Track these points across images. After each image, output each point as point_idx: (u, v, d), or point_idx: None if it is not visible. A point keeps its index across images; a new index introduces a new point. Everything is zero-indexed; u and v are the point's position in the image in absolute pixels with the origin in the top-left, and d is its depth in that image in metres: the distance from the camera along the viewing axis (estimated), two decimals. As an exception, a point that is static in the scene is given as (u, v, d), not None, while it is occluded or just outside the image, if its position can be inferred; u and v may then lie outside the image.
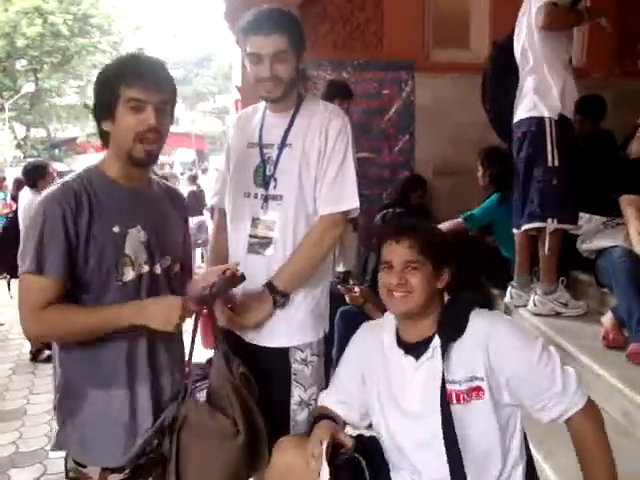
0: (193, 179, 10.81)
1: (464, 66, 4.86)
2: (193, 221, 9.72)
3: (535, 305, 3.15)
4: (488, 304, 1.85)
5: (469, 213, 3.95)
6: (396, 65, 4.98)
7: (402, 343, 1.70)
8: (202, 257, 10.27)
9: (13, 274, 5.42)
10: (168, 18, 51.38)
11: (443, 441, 1.54)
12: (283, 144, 1.92)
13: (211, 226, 8.88)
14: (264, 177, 1.93)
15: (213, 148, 30.04)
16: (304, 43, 1.91)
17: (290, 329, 1.92)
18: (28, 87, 23.42)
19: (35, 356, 5.48)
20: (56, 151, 25.56)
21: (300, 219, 1.90)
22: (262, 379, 1.85)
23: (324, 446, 1.56)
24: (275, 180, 1.92)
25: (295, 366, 1.93)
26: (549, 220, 3.05)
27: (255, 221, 1.92)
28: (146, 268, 1.57)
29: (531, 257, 3.35)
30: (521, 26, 3.23)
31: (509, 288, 3.43)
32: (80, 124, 25.99)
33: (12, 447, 3.88)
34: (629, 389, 2.23)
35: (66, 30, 23.61)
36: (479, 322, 1.59)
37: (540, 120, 3.07)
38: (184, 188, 10.54)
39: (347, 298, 3.09)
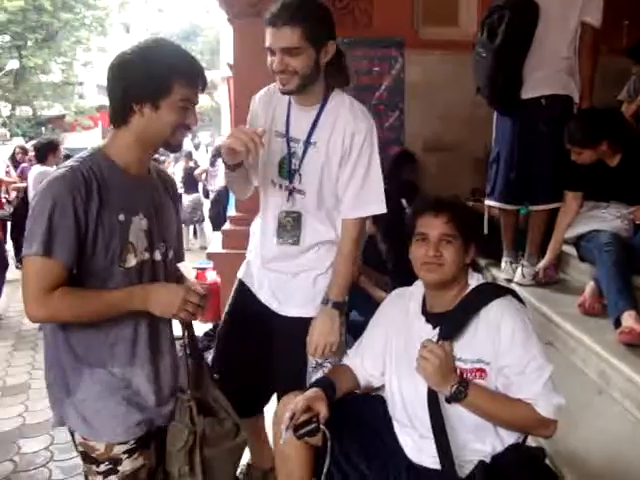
0: (190, 156, 10.85)
1: (453, 43, 4.89)
2: (189, 198, 9.84)
3: (524, 277, 3.29)
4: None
5: None
6: (386, 42, 5.02)
7: (425, 311, 1.83)
8: (194, 233, 10.37)
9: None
10: (153, -9, 50.28)
11: (428, 411, 1.68)
12: (308, 142, 1.98)
13: (207, 204, 8.95)
14: (289, 170, 2.00)
15: (202, 124, 29.85)
16: (327, 35, 1.87)
17: (312, 301, 2.06)
18: (12, 64, 23.02)
19: None
20: (42, 129, 25.27)
21: (321, 212, 2.02)
22: (283, 344, 2.08)
23: (287, 415, 1.70)
24: (300, 175, 2.00)
25: None
26: (559, 203, 3.18)
27: (282, 213, 2.04)
28: (146, 255, 1.61)
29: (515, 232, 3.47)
30: (575, 4, 3.14)
31: (504, 264, 3.52)
32: (65, 102, 25.68)
33: (19, 419, 4.02)
34: (605, 351, 2.38)
35: (49, 5, 23.18)
36: (498, 312, 1.69)
37: (569, 98, 3.15)
38: (179, 165, 10.64)
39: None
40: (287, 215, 2.02)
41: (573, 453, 2.00)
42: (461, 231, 1.74)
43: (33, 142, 9.23)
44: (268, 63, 1.89)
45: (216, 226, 8.18)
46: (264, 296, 2.14)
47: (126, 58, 1.52)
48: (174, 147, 1.65)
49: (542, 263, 3.24)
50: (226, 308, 2.29)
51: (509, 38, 3.17)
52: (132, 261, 1.56)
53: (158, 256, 1.66)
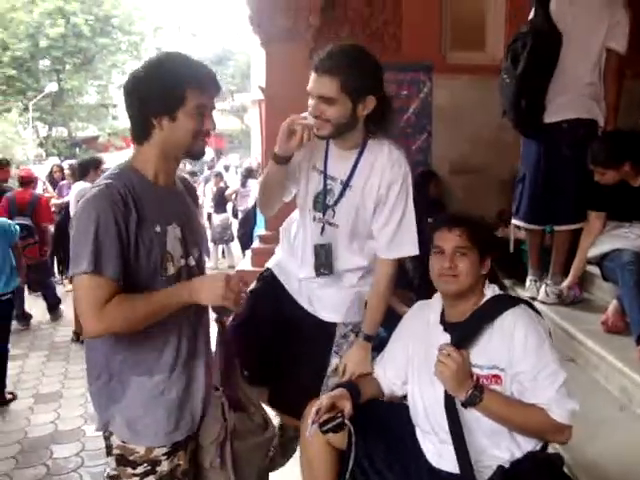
0: (221, 176, 11.09)
1: (480, 68, 4.99)
2: (219, 218, 10.04)
3: (547, 296, 3.32)
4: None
5: None
6: (414, 67, 5.13)
7: (444, 321, 1.91)
8: (223, 254, 10.52)
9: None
10: (187, 18, 51.66)
11: (445, 415, 1.75)
12: (347, 184, 2.04)
13: (235, 224, 9.09)
14: (324, 205, 2.08)
15: (232, 146, 30.31)
16: (368, 89, 1.88)
17: (346, 308, 2.18)
18: (51, 87, 23.84)
19: (78, 336, 5.76)
20: (77, 149, 25.93)
21: (352, 244, 2.12)
22: (304, 343, 2.19)
23: (314, 409, 1.81)
24: (334, 211, 2.07)
25: (338, 339, 2.19)
26: (582, 223, 3.23)
27: (316, 246, 2.12)
28: (182, 262, 1.65)
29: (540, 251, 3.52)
30: (597, 30, 3.22)
31: (529, 282, 3.56)
32: (100, 123, 26.35)
33: (52, 426, 4.16)
34: (628, 368, 2.41)
35: (88, 31, 23.97)
36: (512, 321, 1.77)
37: (594, 122, 3.23)
38: (209, 185, 10.89)
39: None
40: (321, 248, 2.11)
41: (592, 464, 2.03)
42: (475, 243, 1.82)
43: (69, 162, 9.54)
44: (308, 105, 1.93)
45: (244, 246, 8.31)
46: (299, 298, 2.23)
47: (138, 76, 1.56)
48: (196, 155, 1.68)
49: (566, 282, 3.28)
50: (253, 285, 2.33)
51: (531, 65, 3.26)
52: (171, 269, 1.61)
53: (192, 262, 1.70)
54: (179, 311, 1.59)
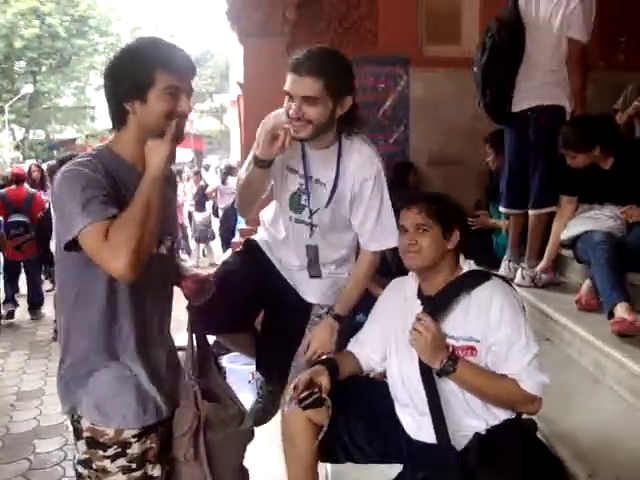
0: (199, 174, 11.14)
1: (456, 60, 5.03)
2: (202, 215, 10.07)
3: (523, 279, 3.40)
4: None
5: None
6: (391, 60, 5.18)
7: (421, 295, 1.96)
8: (204, 252, 10.53)
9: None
10: (165, 18, 51.37)
11: (422, 384, 1.80)
12: (334, 187, 2.06)
13: (215, 222, 9.13)
14: (300, 205, 2.13)
15: (211, 147, 30.25)
16: (347, 87, 1.94)
17: (326, 293, 2.27)
18: (27, 89, 23.58)
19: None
20: (54, 152, 25.69)
21: (332, 238, 2.19)
22: (286, 312, 2.30)
23: (291, 386, 1.86)
24: (310, 210, 2.11)
25: (313, 318, 2.28)
26: (554, 207, 3.32)
27: (307, 248, 2.20)
28: (154, 250, 1.60)
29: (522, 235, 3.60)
30: (553, 20, 3.28)
31: (504, 262, 3.64)
32: (78, 125, 26.14)
33: (34, 422, 4.14)
34: (601, 342, 2.48)
35: (63, 32, 23.78)
36: (489, 293, 1.82)
37: (561, 108, 3.27)
38: (189, 184, 10.92)
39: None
40: (310, 249, 2.19)
41: (567, 434, 2.08)
42: (435, 219, 1.87)
43: (49, 163, 9.44)
44: (285, 107, 1.94)
45: (226, 243, 8.32)
46: (282, 271, 2.30)
47: (110, 62, 1.56)
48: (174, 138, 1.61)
49: (540, 266, 3.34)
50: (239, 248, 2.42)
51: (493, 55, 3.36)
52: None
53: (164, 250, 1.68)
54: (148, 297, 1.62)
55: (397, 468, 1.95)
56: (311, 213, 2.11)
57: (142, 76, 1.51)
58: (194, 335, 1.85)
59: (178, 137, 1.58)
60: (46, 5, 23.17)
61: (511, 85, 3.39)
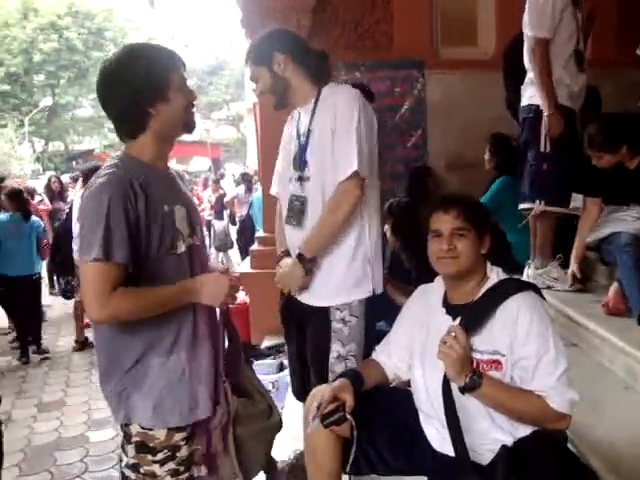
0: (218, 182, 11.17)
1: (472, 62, 5.00)
2: (222, 224, 10.09)
3: (528, 278, 3.34)
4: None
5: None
6: (407, 63, 5.12)
7: (447, 303, 1.89)
8: (222, 261, 10.52)
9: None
10: (180, 28, 51.87)
11: (442, 400, 1.71)
12: (309, 131, 2.17)
13: (233, 232, 9.19)
14: (300, 162, 2.19)
15: (228, 155, 30.38)
16: (266, 49, 2.17)
17: (327, 290, 2.16)
18: (45, 102, 23.95)
19: (82, 345, 5.94)
20: (73, 163, 26.00)
21: (324, 197, 2.13)
22: (308, 333, 2.23)
23: (315, 404, 1.79)
24: (306, 163, 2.17)
25: (335, 325, 2.16)
26: (537, 202, 3.32)
27: (292, 197, 2.20)
28: (191, 240, 1.69)
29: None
30: (525, 19, 3.40)
31: (527, 267, 3.57)
32: (96, 136, 26.42)
33: (55, 434, 4.15)
34: (631, 348, 2.40)
35: (81, 44, 24.11)
36: (516, 306, 1.74)
37: (537, 107, 3.29)
38: (207, 192, 10.95)
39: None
40: (295, 199, 2.18)
41: (600, 443, 2.02)
42: (472, 223, 1.81)
43: (70, 175, 9.54)
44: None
45: (244, 252, 8.29)
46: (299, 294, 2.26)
47: (118, 73, 1.60)
48: (192, 126, 1.74)
49: (570, 270, 3.27)
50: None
51: (507, 61, 3.85)
52: (182, 247, 1.65)
53: (198, 241, 1.75)
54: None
55: (419, 480, 1.90)
56: (302, 166, 2.17)
57: (161, 79, 1.62)
58: (225, 330, 1.85)
59: (192, 126, 1.73)
60: (64, 19, 23.49)
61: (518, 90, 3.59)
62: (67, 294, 6.10)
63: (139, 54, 1.63)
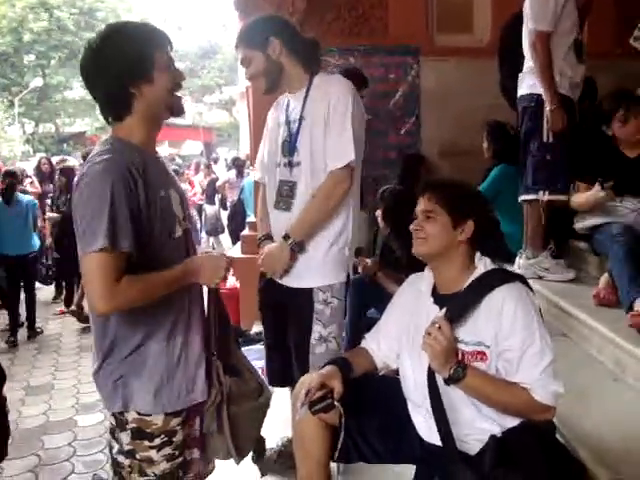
0: (210, 167, 11.10)
1: (467, 50, 4.98)
2: (213, 208, 10.03)
3: (519, 268, 3.35)
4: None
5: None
6: (401, 50, 5.09)
7: (435, 293, 1.88)
8: (213, 246, 10.49)
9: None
10: (173, 10, 51.25)
11: (428, 391, 1.71)
12: (301, 118, 2.19)
13: (224, 216, 9.13)
14: (289, 147, 2.22)
15: (221, 140, 30.22)
16: (262, 34, 2.18)
17: (310, 272, 2.21)
18: (36, 82, 23.57)
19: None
20: (64, 145, 25.77)
21: (315, 183, 2.16)
22: (290, 315, 2.27)
23: (303, 391, 1.80)
24: (297, 149, 2.20)
25: (317, 306, 2.21)
26: (540, 193, 3.28)
27: (280, 182, 2.24)
28: (185, 224, 1.70)
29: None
30: (526, 10, 3.34)
31: (518, 257, 3.55)
32: (88, 118, 26.14)
33: (43, 417, 4.13)
34: (620, 339, 2.40)
35: (72, 25, 23.76)
36: (501, 297, 1.72)
37: (539, 97, 3.24)
38: (199, 176, 10.88)
39: (360, 269, 3.34)
40: (284, 184, 2.22)
41: (588, 434, 2.01)
42: (444, 207, 1.80)
43: (59, 157, 9.43)
44: None
45: (235, 237, 8.26)
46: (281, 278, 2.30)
47: (101, 53, 1.55)
48: (179, 109, 1.69)
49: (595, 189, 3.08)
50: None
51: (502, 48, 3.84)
52: (179, 231, 1.66)
53: (189, 224, 1.75)
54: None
55: (408, 468, 1.92)
56: (291, 151, 2.20)
57: (144, 58, 1.57)
58: (214, 311, 1.84)
59: (178, 110, 1.69)
60: (54, -2, 23.16)
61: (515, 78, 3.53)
62: (47, 280, 6.11)
63: (123, 33, 1.59)
